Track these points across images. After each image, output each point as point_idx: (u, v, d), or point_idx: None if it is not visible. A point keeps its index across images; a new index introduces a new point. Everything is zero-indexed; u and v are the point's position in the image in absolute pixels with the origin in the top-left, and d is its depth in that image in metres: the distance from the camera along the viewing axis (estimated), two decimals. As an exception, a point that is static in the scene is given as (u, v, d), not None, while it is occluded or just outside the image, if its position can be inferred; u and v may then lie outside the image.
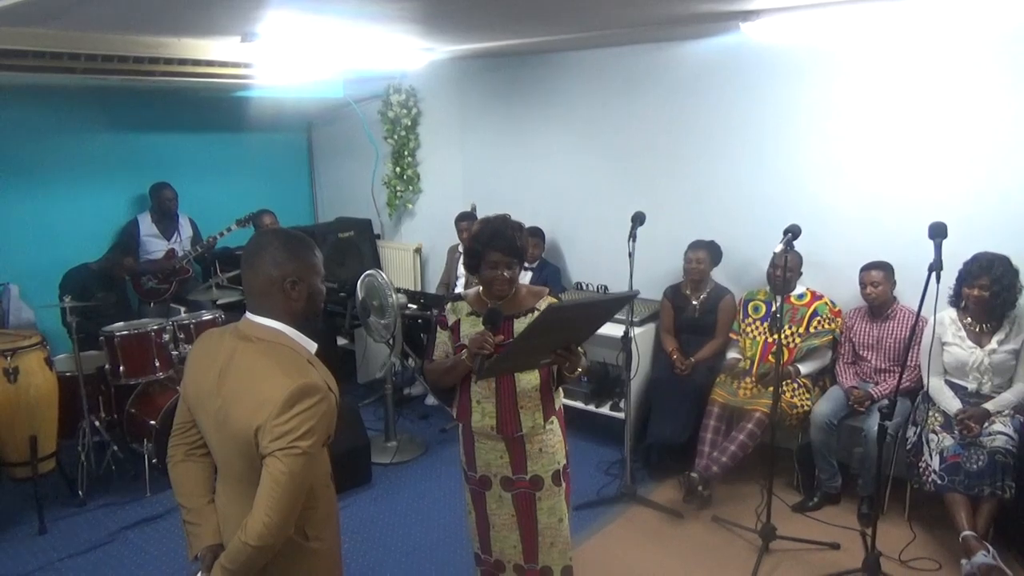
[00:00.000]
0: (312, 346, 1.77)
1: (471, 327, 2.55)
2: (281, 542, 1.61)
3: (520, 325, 2.53)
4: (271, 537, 1.57)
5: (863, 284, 3.87)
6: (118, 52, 3.72)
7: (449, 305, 2.66)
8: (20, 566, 3.45)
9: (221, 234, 5.45)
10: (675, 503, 3.89)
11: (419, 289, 6.07)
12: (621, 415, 4.28)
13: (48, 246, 5.10)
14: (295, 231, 1.83)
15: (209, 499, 1.81)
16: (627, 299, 3.75)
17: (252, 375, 1.64)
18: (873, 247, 3.94)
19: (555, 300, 2.61)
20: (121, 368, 4.06)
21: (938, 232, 2.88)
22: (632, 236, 3.79)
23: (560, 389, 2.70)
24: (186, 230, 5.58)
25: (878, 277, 3.83)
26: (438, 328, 2.66)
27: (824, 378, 4.16)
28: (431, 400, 5.33)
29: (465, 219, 5.48)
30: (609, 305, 2.61)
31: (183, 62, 4.00)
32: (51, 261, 4.85)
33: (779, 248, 3.34)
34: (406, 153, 6.11)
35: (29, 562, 3.48)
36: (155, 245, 5.41)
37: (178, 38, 3.91)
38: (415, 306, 4.91)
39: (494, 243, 2.46)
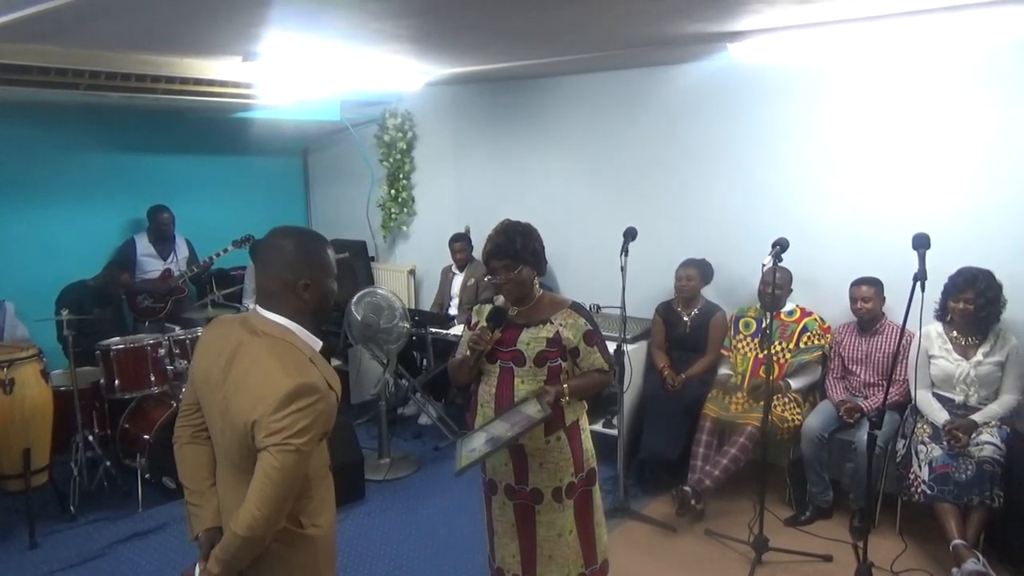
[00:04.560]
0: (317, 344, 1.80)
1: None
2: (271, 534, 1.64)
3: (527, 336, 2.55)
4: (259, 529, 1.60)
5: (853, 299, 3.94)
6: (121, 70, 3.79)
7: (475, 307, 2.75)
8: (10, 579, 3.43)
9: (217, 255, 5.50)
10: (668, 517, 3.90)
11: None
12: (614, 431, 4.30)
13: (45, 264, 5.12)
14: (308, 229, 1.86)
15: (211, 482, 1.83)
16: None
17: (254, 369, 1.67)
18: (861, 263, 4.02)
19: (575, 313, 2.58)
20: (116, 382, 4.08)
21: (921, 243, 2.93)
22: (624, 251, 3.85)
23: (578, 403, 2.64)
24: (182, 251, 5.62)
25: (868, 292, 3.89)
26: (464, 327, 2.76)
27: (814, 393, 4.20)
28: (424, 419, 5.34)
29: (459, 240, 5.55)
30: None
31: (185, 81, 4.09)
32: (48, 279, 4.87)
33: (767, 261, 3.41)
34: (401, 176, 6.20)
35: (19, 575, 3.45)
36: (152, 265, 5.45)
37: (180, 57, 4.00)
38: (408, 324, 4.94)
39: (495, 252, 2.54)
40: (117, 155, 5.63)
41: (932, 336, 3.64)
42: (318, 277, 1.77)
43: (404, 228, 6.35)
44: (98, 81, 3.78)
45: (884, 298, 3.94)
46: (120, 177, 5.64)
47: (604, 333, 2.71)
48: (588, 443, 2.69)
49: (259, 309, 1.78)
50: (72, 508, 3.96)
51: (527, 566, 2.66)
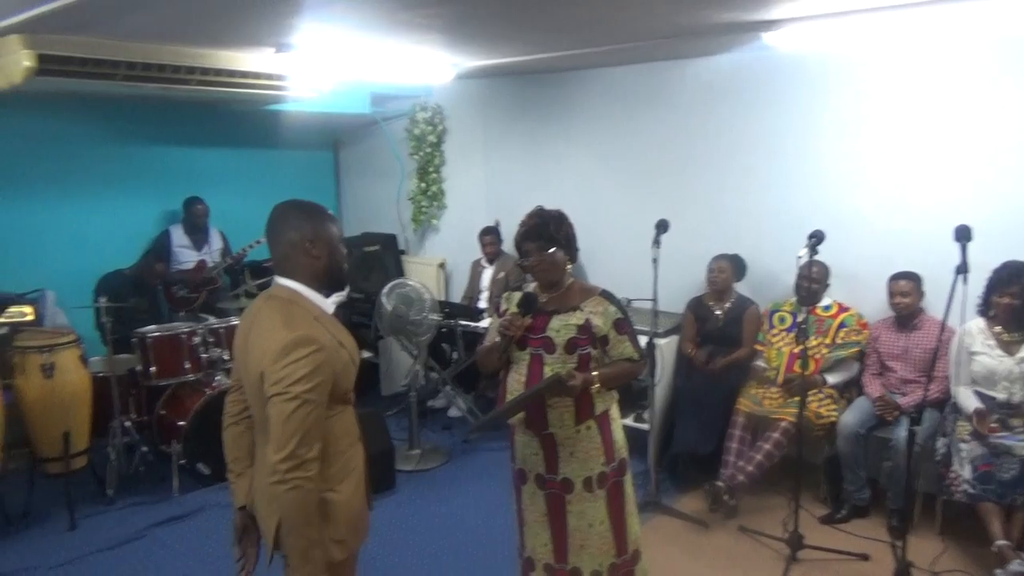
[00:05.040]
0: (329, 307, 1.91)
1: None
2: (303, 482, 1.68)
3: (557, 322, 2.53)
4: (279, 474, 1.66)
5: (892, 294, 3.86)
6: (156, 61, 3.85)
7: (505, 294, 2.75)
8: (50, 559, 3.49)
9: (251, 246, 5.55)
10: (701, 513, 3.86)
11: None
12: (645, 426, 4.27)
13: (83, 254, 5.22)
14: (303, 200, 1.95)
15: (248, 463, 1.95)
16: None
17: (264, 328, 1.80)
18: (899, 257, 3.93)
19: (605, 301, 2.56)
20: (152, 369, 4.14)
21: (963, 235, 2.87)
22: (656, 243, 3.81)
23: (608, 393, 2.61)
24: (216, 242, 5.69)
25: (907, 287, 3.81)
26: (494, 316, 2.76)
27: (851, 390, 4.12)
28: (454, 412, 5.35)
29: (488, 234, 5.54)
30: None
31: (219, 72, 4.13)
32: (86, 268, 4.96)
33: (803, 253, 3.35)
34: (431, 170, 6.21)
35: (59, 555, 3.52)
36: (186, 256, 5.52)
37: (215, 49, 4.04)
38: (437, 316, 4.95)
39: (528, 234, 2.56)
40: (152, 147, 5.72)
41: (974, 332, 3.55)
42: (320, 231, 1.87)
43: (434, 221, 6.36)
44: (134, 72, 3.82)
45: (923, 293, 3.85)
46: (155, 169, 5.73)
47: (635, 327, 2.69)
48: (619, 433, 2.66)
49: (276, 278, 1.89)
50: (110, 492, 4.04)
51: (559, 555, 2.64)
